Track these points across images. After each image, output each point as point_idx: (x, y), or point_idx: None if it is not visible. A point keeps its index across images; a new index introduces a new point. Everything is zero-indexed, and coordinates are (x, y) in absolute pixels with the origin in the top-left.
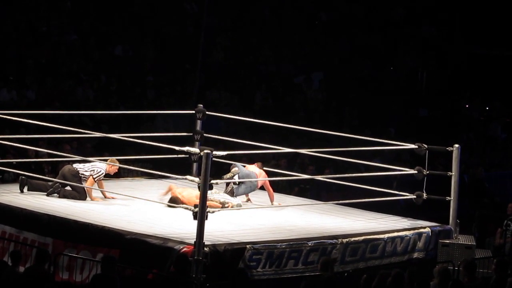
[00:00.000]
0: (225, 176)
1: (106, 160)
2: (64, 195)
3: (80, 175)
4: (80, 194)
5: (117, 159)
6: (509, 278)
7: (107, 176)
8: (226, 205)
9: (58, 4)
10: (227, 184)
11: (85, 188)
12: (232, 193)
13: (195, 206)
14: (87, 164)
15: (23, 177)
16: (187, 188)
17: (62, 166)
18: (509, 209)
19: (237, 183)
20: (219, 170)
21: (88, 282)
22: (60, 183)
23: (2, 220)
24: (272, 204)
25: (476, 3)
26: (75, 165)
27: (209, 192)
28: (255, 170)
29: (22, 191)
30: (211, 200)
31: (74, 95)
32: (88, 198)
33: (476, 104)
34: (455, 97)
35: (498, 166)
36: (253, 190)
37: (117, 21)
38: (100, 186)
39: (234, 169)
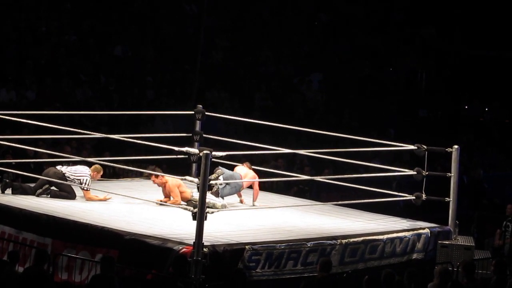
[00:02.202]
0: (209, 178)
1: (91, 165)
2: (55, 196)
3: (66, 177)
4: (70, 194)
5: (116, 160)
6: (510, 279)
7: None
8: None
9: (57, 5)
10: (212, 185)
11: (85, 195)
12: (217, 194)
13: (194, 206)
14: (70, 168)
15: (6, 180)
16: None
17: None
18: (508, 210)
19: (222, 184)
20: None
21: (87, 282)
22: (50, 184)
23: (2, 221)
24: (253, 204)
25: (476, 4)
26: (59, 167)
27: (194, 192)
28: (241, 170)
29: (3, 192)
30: (195, 201)
31: (74, 96)
32: (77, 197)
33: (475, 105)
34: (454, 98)
35: (497, 168)
36: (238, 191)
37: (117, 21)
38: (87, 195)
39: (218, 171)
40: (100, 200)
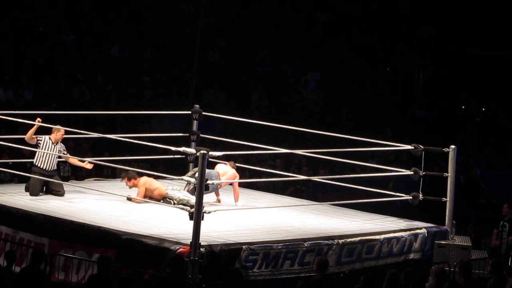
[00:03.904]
0: (186, 174)
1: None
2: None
3: (37, 167)
4: (60, 190)
5: (113, 160)
6: (509, 278)
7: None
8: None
9: (55, 4)
10: (189, 182)
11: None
12: (193, 192)
13: (191, 206)
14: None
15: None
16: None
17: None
18: (504, 210)
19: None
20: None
21: (84, 282)
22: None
23: None
24: (236, 204)
25: (473, 3)
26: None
27: (169, 189)
28: (221, 169)
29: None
30: (171, 197)
31: (71, 95)
32: (66, 194)
33: (472, 104)
34: (452, 97)
35: (494, 167)
36: (216, 189)
37: (114, 21)
38: (69, 160)
39: (194, 168)
40: (81, 165)
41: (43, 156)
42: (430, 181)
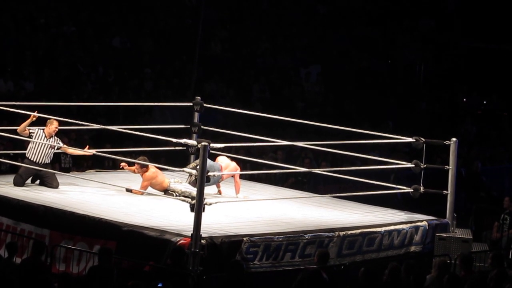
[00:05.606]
0: (188, 166)
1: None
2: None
3: (28, 159)
4: (53, 182)
5: (115, 151)
6: (510, 271)
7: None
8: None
9: None
10: (190, 174)
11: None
12: (195, 184)
13: (193, 198)
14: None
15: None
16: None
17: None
18: (506, 203)
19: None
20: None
21: (85, 273)
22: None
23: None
24: (237, 196)
25: None
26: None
27: (171, 182)
28: (223, 161)
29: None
30: (173, 190)
31: (72, 87)
32: (60, 186)
33: (474, 97)
34: (453, 90)
35: (495, 160)
36: (217, 182)
37: (115, 12)
38: (68, 151)
39: (196, 160)
40: (81, 153)
41: (34, 149)
42: (431, 174)
